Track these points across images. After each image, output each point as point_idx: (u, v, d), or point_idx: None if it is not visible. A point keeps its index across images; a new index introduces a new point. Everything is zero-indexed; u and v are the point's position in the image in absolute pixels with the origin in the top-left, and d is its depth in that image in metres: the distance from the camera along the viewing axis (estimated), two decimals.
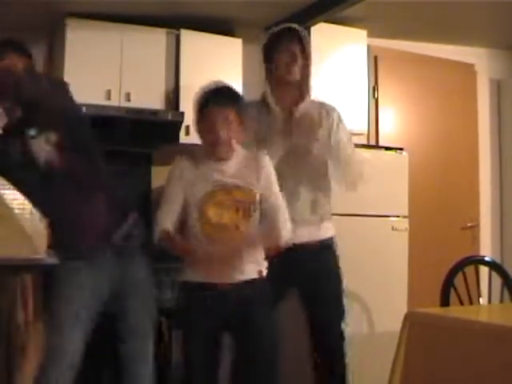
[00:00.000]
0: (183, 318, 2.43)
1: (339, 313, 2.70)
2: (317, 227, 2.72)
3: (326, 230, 2.75)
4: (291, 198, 2.57)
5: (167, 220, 2.38)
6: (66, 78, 3.46)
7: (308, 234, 2.67)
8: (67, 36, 3.48)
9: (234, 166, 2.39)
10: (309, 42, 2.78)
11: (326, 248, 2.74)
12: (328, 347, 2.71)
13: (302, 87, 2.76)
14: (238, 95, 2.47)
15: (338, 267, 2.75)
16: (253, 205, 2.37)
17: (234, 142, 2.36)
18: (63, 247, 2.31)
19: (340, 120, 2.81)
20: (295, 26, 2.76)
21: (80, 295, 2.28)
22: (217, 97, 2.37)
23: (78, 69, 3.47)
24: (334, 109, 2.82)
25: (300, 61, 2.72)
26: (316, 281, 2.70)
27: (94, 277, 2.29)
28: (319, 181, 2.74)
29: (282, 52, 2.71)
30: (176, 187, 2.41)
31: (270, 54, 2.76)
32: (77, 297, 2.28)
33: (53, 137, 2.20)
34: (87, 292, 2.28)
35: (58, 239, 2.33)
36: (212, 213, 2.33)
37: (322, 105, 2.81)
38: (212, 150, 2.36)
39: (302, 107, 2.74)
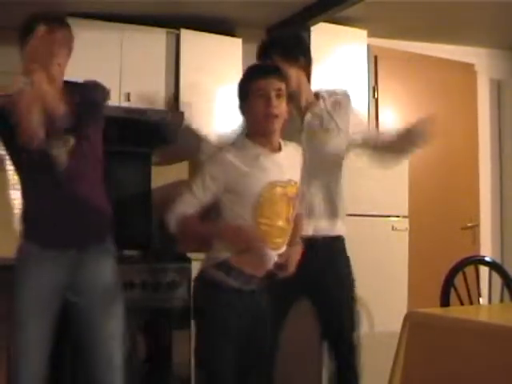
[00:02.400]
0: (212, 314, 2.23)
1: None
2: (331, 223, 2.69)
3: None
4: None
5: (187, 208, 2.24)
6: (66, 78, 3.46)
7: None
8: None
9: (285, 157, 2.26)
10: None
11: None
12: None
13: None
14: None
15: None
16: (297, 201, 2.31)
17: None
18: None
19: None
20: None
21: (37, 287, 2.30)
22: (269, 68, 2.31)
23: (78, 69, 3.47)
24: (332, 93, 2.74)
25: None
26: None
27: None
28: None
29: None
30: (211, 181, 2.21)
31: None
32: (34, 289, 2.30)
33: (71, 141, 2.27)
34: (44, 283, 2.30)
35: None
36: (270, 212, 2.21)
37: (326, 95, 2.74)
38: (264, 129, 2.21)
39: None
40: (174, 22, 3.74)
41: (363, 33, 4.13)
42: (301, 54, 2.71)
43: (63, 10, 3.47)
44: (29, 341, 2.27)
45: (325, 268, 2.63)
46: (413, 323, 2.26)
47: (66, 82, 2.44)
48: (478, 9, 3.90)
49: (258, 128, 2.24)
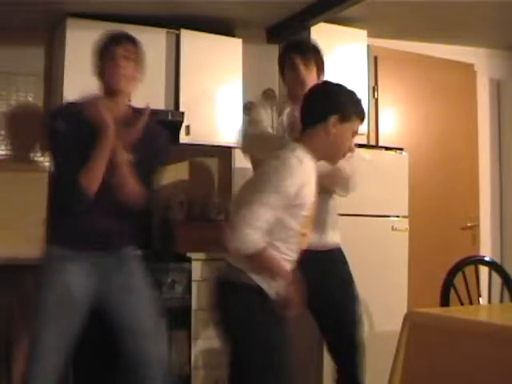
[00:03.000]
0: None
1: None
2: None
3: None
4: None
5: (263, 224, 2.05)
6: (66, 78, 3.46)
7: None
8: (67, 36, 3.48)
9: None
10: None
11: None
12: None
13: None
14: None
15: None
16: None
17: None
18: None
19: None
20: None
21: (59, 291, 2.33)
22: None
23: (78, 69, 3.47)
24: None
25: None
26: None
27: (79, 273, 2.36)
28: None
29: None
30: (288, 188, 2.07)
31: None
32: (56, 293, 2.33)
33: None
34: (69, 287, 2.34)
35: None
36: (309, 221, 2.20)
37: None
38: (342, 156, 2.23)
39: None
40: (174, 22, 3.74)
41: (363, 33, 4.13)
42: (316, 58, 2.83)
43: (63, 10, 3.48)
44: (47, 343, 2.28)
45: (325, 275, 2.72)
46: (413, 323, 2.26)
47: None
48: (477, 9, 3.90)
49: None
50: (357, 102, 2.22)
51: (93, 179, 2.26)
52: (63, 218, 2.40)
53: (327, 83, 2.32)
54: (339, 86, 2.23)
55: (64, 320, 2.31)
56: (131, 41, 2.41)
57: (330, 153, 2.21)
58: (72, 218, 2.36)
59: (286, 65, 2.85)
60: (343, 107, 2.17)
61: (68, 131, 2.29)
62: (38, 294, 2.35)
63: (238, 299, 2.15)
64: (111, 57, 2.35)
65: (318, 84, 2.42)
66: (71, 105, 2.43)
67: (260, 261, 2.09)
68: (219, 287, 2.23)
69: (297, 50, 2.83)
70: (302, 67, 2.76)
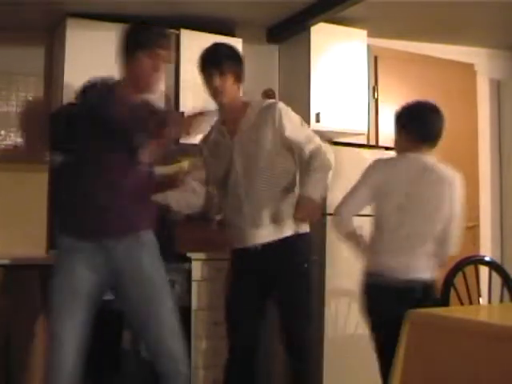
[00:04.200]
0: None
1: None
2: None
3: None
4: None
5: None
6: (66, 78, 3.46)
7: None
8: (67, 36, 3.48)
9: None
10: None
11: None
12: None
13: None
14: None
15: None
16: None
17: None
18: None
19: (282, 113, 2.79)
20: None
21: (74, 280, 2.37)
22: None
23: (78, 69, 3.47)
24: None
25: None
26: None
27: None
28: None
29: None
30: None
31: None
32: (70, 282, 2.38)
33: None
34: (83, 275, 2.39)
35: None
36: None
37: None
38: None
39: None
40: (174, 22, 3.74)
41: (363, 33, 4.13)
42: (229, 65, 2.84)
43: (63, 10, 3.48)
44: (63, 331, 2.32)
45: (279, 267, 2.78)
46: (413, 323, 2.26)
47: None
48: (477, 9, 3.90)
49: None
50: None
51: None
52: (71, 208, 2.44)
53: None
54: None
55: (77, 310, 2.35)
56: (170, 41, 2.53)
57: None
58: (79, 206, 2.41)
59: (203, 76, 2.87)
60: None
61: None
62: (51, 286, 2.40)
63: None
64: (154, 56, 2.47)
65: None
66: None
67: None
68: None
69: (208, 60, 2.86)
70: (216, 78, 2.78)
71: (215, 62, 2.79)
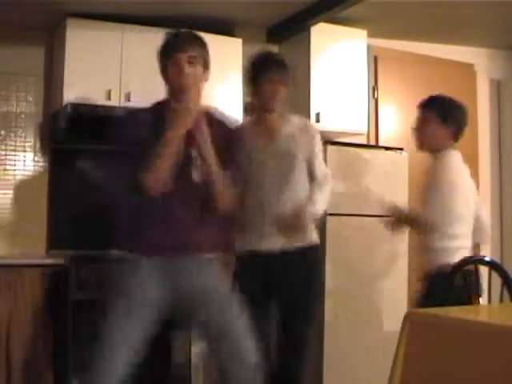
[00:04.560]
0: None
1: None
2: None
3: None
4: None
5: None
6: (66, 78, 3.47)
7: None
8: (67, 36, 3.48)
9: None
10: None
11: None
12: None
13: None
14: None
15: None
16: None
17: None
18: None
19: None
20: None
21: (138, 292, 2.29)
22: None
23: (78, 69, 3.47)
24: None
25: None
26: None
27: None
28: None
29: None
30: None
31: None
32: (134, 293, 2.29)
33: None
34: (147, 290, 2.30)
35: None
36: None
37: None
38: None
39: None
40: (173, 22, 3.74)
41: (363, 33, 4.13)
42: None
43: (63, 10, 3.48)
44: (116, 344, 2.23)
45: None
46: (413, 323, 2.26)
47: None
48: (477, 9, 3.90)
49: None
50: None
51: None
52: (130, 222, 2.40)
53: None
54: None
55: (133, 323, 2.26)
56: (197, 43, 2.39)
57: None
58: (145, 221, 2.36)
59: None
60: None
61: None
62: (109, 297, 2.31)
63: None
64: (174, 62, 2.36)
65: None
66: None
67: None
68: None
69: (279, 66, 2.86)
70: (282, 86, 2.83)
71: (285, 70, 2.85)
